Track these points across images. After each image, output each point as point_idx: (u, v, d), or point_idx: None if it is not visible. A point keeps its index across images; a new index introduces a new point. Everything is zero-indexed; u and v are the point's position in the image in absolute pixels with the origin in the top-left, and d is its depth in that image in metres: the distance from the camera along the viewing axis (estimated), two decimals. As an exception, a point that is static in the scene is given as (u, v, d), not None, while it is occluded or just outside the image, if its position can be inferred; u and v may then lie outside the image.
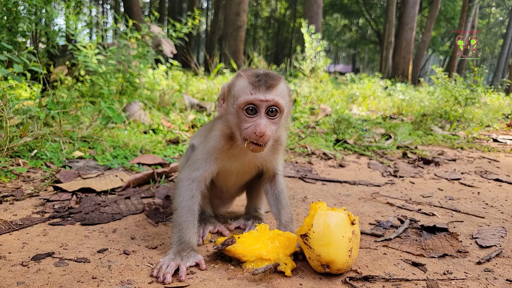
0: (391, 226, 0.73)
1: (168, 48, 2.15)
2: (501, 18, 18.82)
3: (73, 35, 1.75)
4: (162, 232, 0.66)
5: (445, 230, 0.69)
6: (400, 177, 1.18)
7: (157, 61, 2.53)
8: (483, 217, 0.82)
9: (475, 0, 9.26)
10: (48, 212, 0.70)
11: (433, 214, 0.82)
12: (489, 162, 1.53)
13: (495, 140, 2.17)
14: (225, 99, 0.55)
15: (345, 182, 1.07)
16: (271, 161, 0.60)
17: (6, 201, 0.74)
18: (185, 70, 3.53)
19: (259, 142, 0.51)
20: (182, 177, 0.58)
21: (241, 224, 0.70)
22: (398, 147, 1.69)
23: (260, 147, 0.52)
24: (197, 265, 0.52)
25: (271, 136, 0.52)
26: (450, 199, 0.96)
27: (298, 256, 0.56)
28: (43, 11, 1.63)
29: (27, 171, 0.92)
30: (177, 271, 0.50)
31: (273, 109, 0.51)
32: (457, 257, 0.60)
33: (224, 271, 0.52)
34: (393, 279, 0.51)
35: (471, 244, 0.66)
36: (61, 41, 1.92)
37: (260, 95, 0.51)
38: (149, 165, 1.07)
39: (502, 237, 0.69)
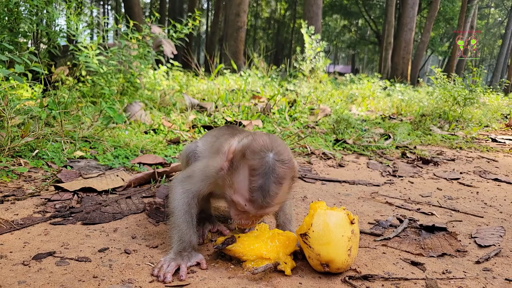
0: (390, 225, 0.73)
1: (169, 48, 2.16)
2: (500, 19, 18.87)
3: (74, 35, 1.75)
4: (163, 232, 0.66)
5: (444, 229, 0.69)
6: (399, 176, 1.19)
7: (158, 62, 2.54)
8: (482, 217, 0.82)
9: (474, 1, 9.30)
10: (49, 212, 0.71)
11: (432, 214, 0.83)
12: (488, 162, 1.53)
13: (494, 140, 2.17)
14: (227, 159, 0.49)
15: (344, 181, 1.08)
16: None
17: (8, 200, 0.74)
18: (185, 70, 3.53)
19: (242, 228, 0.52)
20: (177, 184, 0.57)
21: (241, 224, 0.70)
22: (397, 147, 1.69)
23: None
24: (198, 264, 0.53)
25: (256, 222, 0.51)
26: (449, 199, 0.96)
27: (298, 255, 0.56)
28: (44, 11, 1.64)
29: (28, 171, 0.92)
30: (178, 270, 0.50)
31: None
32: (456, 257, 0.60)
33: (224, 270, 0.52)
34: (392, 278, 0.52)
35: (470, 243, 0.67)
36: (62, 42, 1.92)
37: (254, 209, 0.47)
38: (150, 165, 1.07)
39: (501, 236, 0.70)
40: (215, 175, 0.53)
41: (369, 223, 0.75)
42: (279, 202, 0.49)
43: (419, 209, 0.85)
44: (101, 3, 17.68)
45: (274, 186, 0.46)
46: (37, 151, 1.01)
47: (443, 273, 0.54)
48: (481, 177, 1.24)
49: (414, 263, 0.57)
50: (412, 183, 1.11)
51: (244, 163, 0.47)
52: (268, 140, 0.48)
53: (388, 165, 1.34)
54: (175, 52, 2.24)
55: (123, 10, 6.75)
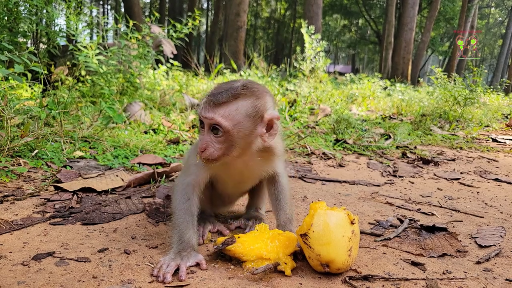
0: (391, 225, 0.73)
1: (169, 48, 2.15)
2: (500, 19, 18.85)
3: (73, 35, 1.75)
4: (163, 232, 0.66)
5: (445, 229, 0.69)
6: (400, 177, 1.19)
7: (158, 62, 2.53)
8: (483, 217, 0.82)
9: (474, 1, 9.28)
10: (49, 212, 0.71)
11: (433, 214, 0.82)
12: (488, 162, 1.53)
13: (494, 140, 2.17)
14: None
15: (344, 181, 1.08)
16: (267, 170, 0.60)
17: (7, 200, 0.74)
18: (185, 70, 3.52)
19: (202, 156, 0.51)
20: (177, 182, 0.59)
21: (241, 223, 0.70)
22: (397, 147, 1.69)
23: (208, 161, 0.52)
24: (197, 264, 0.53)
25: (216, 154, 0.51)
26: (449, 199, 0.96)
27: (298, 256, 0.56)
28: (44, 11, 1.64)
29: (28, 171, 0.92)
30: (177, 270, 0.50)
31: (215, 127, 0.50)
32: (457, 257, 0.60)
33: (224, 271, 0.52)
34: (393, 278, 0.52)
35: (470, 243, 0.67)
36: (62, 42, 1.91)
37: (203, 111, 0.50)
38: (150, 165, 1.07)
39: (501, 236, 0.70)
40: None
41: (369, 223, 0.75)
42: (229, 117, 0.50)
43: (420, 209, 0.85)
44: (101, 2, 17.67)
45: (225, 94, 0.50)
46: (36, 151, 1.01)
47: (444, 273, 0.54)
48: (482, 177, 1.24)
49: (414, 264, 0.57)
50: (413, 183, 1.11)
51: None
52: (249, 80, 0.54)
53: (388, 165, 1.34)
54: (175, 52, 2.23)
55: (122, 9, 6.75)
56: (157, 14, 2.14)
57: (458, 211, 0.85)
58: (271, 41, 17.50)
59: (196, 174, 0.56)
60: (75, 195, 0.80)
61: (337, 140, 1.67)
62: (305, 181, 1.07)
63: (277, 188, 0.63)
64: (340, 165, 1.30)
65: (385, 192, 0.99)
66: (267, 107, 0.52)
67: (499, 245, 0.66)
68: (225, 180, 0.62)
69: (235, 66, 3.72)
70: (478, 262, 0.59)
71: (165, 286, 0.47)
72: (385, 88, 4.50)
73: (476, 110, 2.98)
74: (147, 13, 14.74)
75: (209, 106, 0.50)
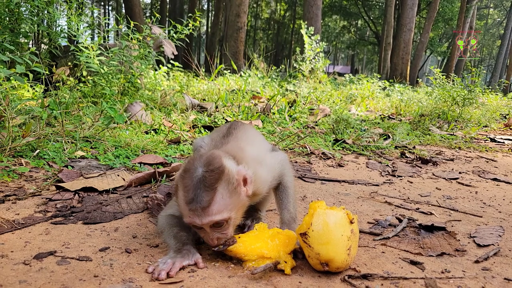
0: (390, 225, 0.74)
1: (169, 49, 2.16)
2: (499, 19, 18.92)
3: (75, 36, 1.75)
4: (164, 231, 0.67)
5: (443, 229, 0.70)
6: (399, 176, 1.19)
7: (159, 62, 2.54)
8: (481, 216, 0.82)
9: (473, 1, 9.33)
10: (51, 211, 0.71)
11: (431, 213, 0.83)
12: (487, 161, 1.53)
13: (492, 140, 2.17)
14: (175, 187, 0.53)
15: (344, 181, 1.08)
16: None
17: (9, 200, 0.75)
18: (186, 71, 3.54)
19: (219, 246, 0.52)
20: (160, 215, 0.61)
21: (241, 223, 0.70)
22: (396, 147, 1.69)
23: (226, 246, 0.52)
24: (195, 264, 0.53)
25: (228, 235, 0.52)
26: (448, 198, 0.97)
27: (298, 255, 0.56)
28: (45, 12, 1.65)
29: (30, 171, 0.92)
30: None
31: (218, 225, 0.51)
32: (455, 256, 0.61)
33: (224, 269, 0.53)
34: (392, 277, 0.52)
35: (469, 243, 0.67)
36: (63, 42, 1.92)
37: (198, 220, 0.49)
38: (151, 164, 1.08)
39: (499, 236, 0.70)
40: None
41: (368, 222, 0.75)
42: (222, 209, 0.50)
43: (418, 208, 0.86)
44: (102, 3, 17.71)
45: (203, 193, 0.49)
46: (38, 151, 1.01)
47: (442, 272, 0.55)
48: (480, 177, 1.24)
49: (413, 263, 0.57)
50: (411, 182, 1.12)
51: (179, 182, 0.51)
52: (203, 156, 0.51)
53: (387, 165, 1.34)
54: (176, 53, 2.24)
55: (123, 10, 6.76)
56: (157, 15, 2.14)
57: (457, 210, 0.86)
58: (271, 42, 17.56)
59: (173, 209, 0.59)
60: (77, 194, 0.80)
61: (336, 140, 1.67)
62: (304, 180, 1.07)
63: (281, 188, 0.63)
64: (340, 165, 1.30)
65: (384, 192, 0.99)
66: (233, 171, 0.51)
67: (498, 245, 0.66)
68: None
69: (235, 67, 3.73)
70: (476, 261, 0.59)
71: (160, 283, 0.47)
72: (384, 89, 4.50)
73: (475, 110, 2.99)
74: (148, 14, 14.78)
75: (199, 213, 0.49)
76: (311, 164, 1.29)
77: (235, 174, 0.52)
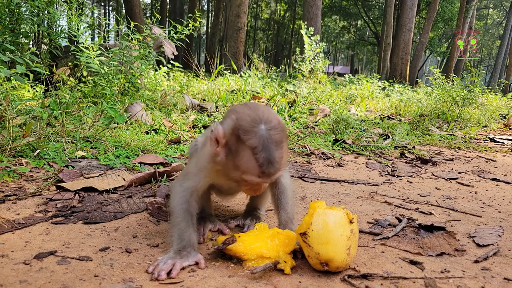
0: (389, 224, 0.74)
1: (169, 49, 2.16)
2: (498, 20, 18.96)
3: (75, 36, 1.75)
4: (164, 231, 0.66)
5: (443, 229, 0.70)
6: (398, 176, 1.19)
7: (159, 62, 2.54)
8: (481, 216, 0.82)
9: (472, 2, 9.35)
10: (51, 211, 0.71)
11: (431, 213, 0.83)
12: (486, 161, 1.54)
13: (492, 140, 2.17)
14: (220, 145, 0.50)
15: (343, 181, 1.08)
16: None
17: (9, 200, 0.75)
18: (186, 71, 3.54)
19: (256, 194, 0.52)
20: (176, 183, 0.59)
21: (241, 223, 0.70)
22: (396, 147, 1.70)
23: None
24: (197, 264, 0.53)
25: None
26: (447, 198, 0.97)
27: (297, 254, 0.56)
28: (46, 12, 1.65)
29: (30, 171, 0.92)
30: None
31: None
32: (455, 256, 0.61)
33: (224, 269, 0.53)
34: (391, 277, 0.52)
35: (468, 242, 0.67)
36: (64, 42, 1.92)
37: (268, 178, 0.49)
38: (151, 164, 1.08)
39: (499, 236, 0.70)
40: (209, 164, 0.54)
41: (368, 222, 0.75)
42: (285, 161, 0.51)
43: (418, 208, 0.86)
44: (102, 4, 17.72)
45: (277, 153, 0.48)
46: (38, 151, 1.01)
47: (442, 272, 0.55)
48: (480, 176, 1.24)
49: (413, 262, 0.57)
50: (411, 182, 1.12)
51: (241, 145, 0.48)
52: (252, 113, 0.49)
53: (387, 165, 1.34)
54: (176, 53, 2.24)
55: (124, 11, 6.76)
56: (158, 16, 2.15)
57: (456, 210, 0.86)
58: (271, 42, 17.58)
59: (195, 181, 0.57)
60: (77, 194, 0.80)
61: (336, 140, 1.68)
62: (304, 180, 1.07)
63: (279, 188, 0.63)
64: (339, 165, 1.31)
65: (384, 192, 0.99)
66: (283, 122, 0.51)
67: (497, 244, 0.66)
68: (224, 188, 0.63)
69: (235, 67, 3.74)
70: (476, 261, 0.59)
71: (160, 283, 0.47)
72: (384, 89, 4.50)
73: (474, 110, 3.00)
74: (148, 14, 14.78)
75: (271, 173, 0.48)
76: (311, 164, 1.29)
77: (283, 123, 0.51)
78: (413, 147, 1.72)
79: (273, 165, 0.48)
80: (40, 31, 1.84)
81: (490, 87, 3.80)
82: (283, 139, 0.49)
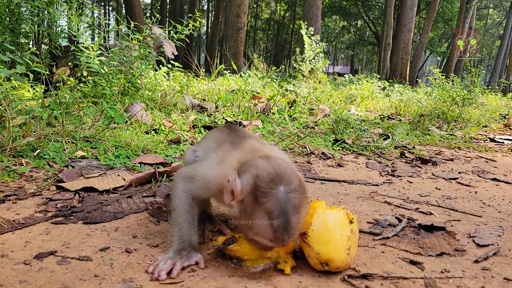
0: (389, 224, 0.74)
1: (169, 49, 2.17)
2: (498, 20, 18.96)
3: (75, 36, 1.75)
4: (164, 231, 0.66)
5: (443, 229, 0.70)
6: (398, 176, 1.19)
7: (159, 62, 2.54)
8: (481, 216, 0.82)
9: (472, 2, 9.36)
10: (51, 211, 0.71)
11: (431, 213, 0.83)
12: (486, 161, 1.54)
13: (492, 140, 2.17)
14: (235, 200, 0.47)
15: (343, 181, 1.08)
16: None
17: (9, 200, 0.75)
18: (186, 71, 3.54)
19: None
20: (179, 180, 0.57)
21: (241, 223, 0.71)
22: (396, 147, 1.70)
23: None
24: (197, 263, 0.53)
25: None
26: (447, 198, 0.97)
27: (298, 254, 0.56)
28: (46, 12, 1.65)
29: (30, 171, 0.92)
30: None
31: None
32: (455, 256, 0.61)
33: (225, 269, 0.53)
34: (391, 277, 0.52)
35: (468, 242, 0.67)
36: (64, 42, 1.92)
37: (280, 244, 0.47)
38: (151, 164, 1.08)
39: (499, 236, 0.70)
40: (217, 191, 0.52)
41: (368, 222, 0.75)
42: (301, 227, 0.48)
43: (418, 208, 0.86)
44: (102, 4, 17.73)
45: (294, 219, 0.45)
46: (38, 151, 1.02)
47: (442, 272, 0.55)
48: (480, 176, 1.24)
49: (413, 262, 0.57)
50: (411, 182, 1.12)
51: (258, 206, 0.45)
52: (272, 171, 0.46)
53: (387, 165, 1.34)
54: (176, 53, 2.24)
55: (124, 11, 6.76)
56: (158, 16, 2.15)
57: (456, 210, 0.86)
58: (271, 42, 17.59)
59: (200, 189, 0.55)
60: (77, 194, 0.80)
61: (336, 140, 1.68)
62: (304, 180, 1.08)
63: None
64: (339, 165, 1.31)
65: (384, 192, 0.99)
66: (303, 180, 0.47)
67: (497, 244, 0.66)
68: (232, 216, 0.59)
69: (235, 67, 3.74)
70: (476, 261, 0.59)
71: (160, 283, 0.47)
72: (384, 89, 4.50)
73: (474, 110, 3.00)
74: (148, 14, 14.78)
75: (284, 241, 0.45)
76: (311, 164, 1.29)
77: (304, 183, 0.48)
78: (413, 147, 1.72)
79: (288, 232, 0.45)
80: (40, 31, 1.84)
81: (490, 87, 3.81)
82: (303, 203, 0.46)
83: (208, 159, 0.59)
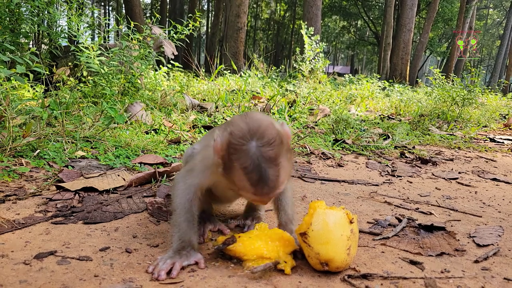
0: (389, 224, 0.74)
1: (169, 49, 2.16)
2: (498, 20, 18.98)
3: (75, 36, 1.76)
4: (164, 231, 0.66)
5: (443, 229, 0.70)
6: (398, 176, 1.19)
7: (159, 62, 2.54)
8: (480, 216, 0.83)
9: (472, 2, 9.37)
10: (51, 211, 0.71)
11: (431, 213, 0.83)
12: (486, 161, 1.54)
13: (492, 140, 2.17)
14: (218, 157, 0.47)
15: (343, 181, 1.08)
16: None
17: (9, 200, 0.75)
18: (186, 71, 3.54)
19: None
20: (179, 180, 0.57)
21: (241, 223, 0.71)
22: (396, 147, 1.70)
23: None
24: (196, 263, 0.53)
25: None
26: (447, 198, 0.97)
27: (297, 255, 0.56)
28: (46, 12, 1.65)
29: (30, 171, 0.92)
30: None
31: None
32: (455, 256, 0.61)
33: (224, 269, 0.53)
34: (391, 277, 0.52)
35: (468, 242, 0.67)
36: (64, 42, 1.92)
37: (265, 197, 0.45)
38: (151, 164, 1.08)
39: (499, 236, 0.70)
40: (214, 167, 0.52)
41: (368, 222, 0.76)
42: (284, 178, 0.46)
43: (418, 208, 0.86)
44: (102, 4, 17.74)
45: (271, 171, 0.44)
46: (38, 151, 1.02)
47: (442, 272, 0.55)
48: (480, 176, 1.24)
49: (413, 262, 0.57)
50: (411, 182, 1.12)
51: (233, 162, 0.45)
52: (245, 126, 0.44)
53: (387, 165, 1.34)
54: (176, 53, 2.24)
55: (124, 11, 6.77)
56: (158, 16, 2.14)
57: (456, 210, 0.86)
58: (271, 42, 17.61)
59: (200, 178, 0.55)
60: (77, 194, 0.80)
61: (336, 140, 1.68)
62: (304, 180, 1.07)
63: None
64: (339, 165, 1.31)
65: (384, 192, 1.00)
66: (281, 131, 0.45)
67: (497, 244, 0.66)
68: (226, 186, 0.61)
69: (235, 67, 3.74)
70: (476, 261, 0.59)
71: (160, 283, 0.47)
72: (384, 89, 4.50)
73: (474, 110, 3.00)
74: (148, 14, 14.79)
75: (267, 192, 0.44)
76: (311, 164, 1.29)
77: (284, 135, 0.45)
78: (413, 147, 1.72)
79: (267, 184, 0.44)
80: (40, 31, 1.85)
81: (490, 87, 3.81)
82: (279, 155, 0.44)
83: (204, 148, 0.59)
